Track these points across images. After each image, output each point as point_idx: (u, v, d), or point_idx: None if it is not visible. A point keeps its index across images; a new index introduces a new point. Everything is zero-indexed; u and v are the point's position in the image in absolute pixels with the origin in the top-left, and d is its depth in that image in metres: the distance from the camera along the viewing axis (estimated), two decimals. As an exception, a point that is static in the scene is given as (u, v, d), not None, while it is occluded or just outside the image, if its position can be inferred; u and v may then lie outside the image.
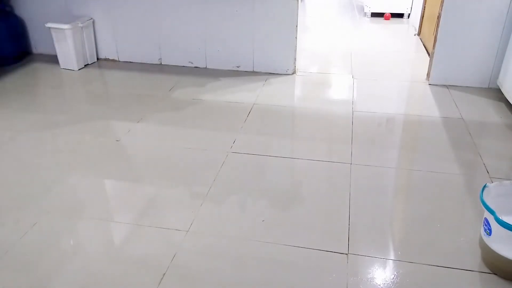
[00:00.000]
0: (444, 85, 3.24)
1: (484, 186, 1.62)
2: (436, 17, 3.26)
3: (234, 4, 3.31)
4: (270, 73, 3.47)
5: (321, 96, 3.17)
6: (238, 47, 3.45)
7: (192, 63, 3.61)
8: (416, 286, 1.55)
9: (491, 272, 1.61)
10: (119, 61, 3.73)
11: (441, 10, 3.06)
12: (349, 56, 3.93)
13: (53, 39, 3.46)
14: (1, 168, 2.25)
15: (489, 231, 1.56)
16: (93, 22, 3.61)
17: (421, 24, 4.43)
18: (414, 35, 4.58)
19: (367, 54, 4.01)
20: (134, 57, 3.69)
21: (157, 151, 2.42)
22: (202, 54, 3.55)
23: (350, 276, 1.59)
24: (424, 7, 4.32)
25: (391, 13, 5.22)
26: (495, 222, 1.49)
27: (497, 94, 3.05)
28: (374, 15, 5.29)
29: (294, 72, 3.47)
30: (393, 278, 1.59)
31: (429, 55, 3.66)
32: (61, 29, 3.37)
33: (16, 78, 3.41)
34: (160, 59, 3.65)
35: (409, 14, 5.21)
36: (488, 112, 2.86)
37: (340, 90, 3.27)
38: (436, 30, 3.14)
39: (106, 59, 3.75)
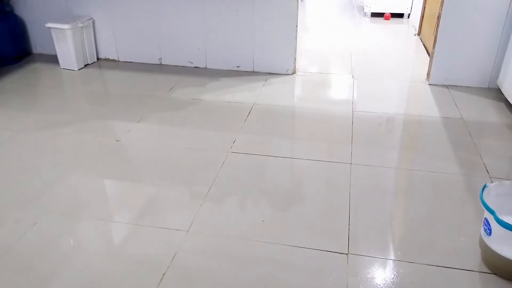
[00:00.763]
0: (444, 85, 3.24)
1: (484, 186, 1.62)
2: (436, 17, 3.26)
3: (234, 4, 3.31)
4: (270, 73, 3.47)
5: (321, 96, 3.17)
6: (238, 47, 3.45)
7: (192, 63, 3.61)
8: (416, 286, 1.55)
9: (491, 272, 1.61)
10: (119, 61, 3.73)
11: (441, 10, 3.06)
12: (349, 56, 3.93)
13: (53, 39, 3.46)
14: (1, 168, 2.25)
15: (489, 231, 1.56)
16: (93, 22, 3.61)
17: (421, 24, 4.43)
18: (414, 35, 4.58)
19: (367, 54, 4.01)
20: (134, 57, 3.69)
21: (157, 151, 2.42)
22: (202, 54, 3.55)
23: (350, 276, 1.59)
24: (424, 7, 4.32)
25: (391, 13, 5.22)
26: (495, 222, 1.49)
27: (497, 94, 3.05)
28: (374, 15, 5.29)
29: (294, 72, 3.47)
30: (393, 278, 1.59)
31: (429, 55, 3.66)
32: (61, 29, 3.37)
33: (16, 78, 3.41)
34: (160, 59, 3.65)
35: (409, 14, 5.21)
36: (488, 112, 2.86)
37: (340, 90, 3.27)
38: (436, 30, 3.14)
39: (106, 59, 3.75)
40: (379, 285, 1.56)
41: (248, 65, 3.50)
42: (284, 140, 2.56)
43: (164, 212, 1.93)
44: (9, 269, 1.62)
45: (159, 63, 3.67)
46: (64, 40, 3.42)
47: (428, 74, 3.33)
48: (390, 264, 1.65)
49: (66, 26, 3.36)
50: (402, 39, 4.60)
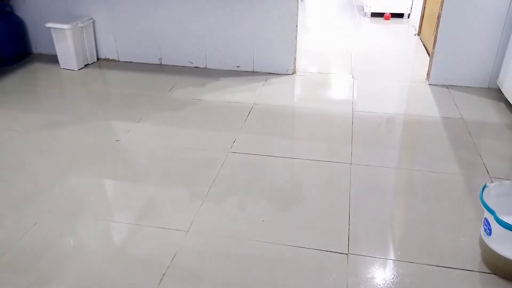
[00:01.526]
0: (444, 85, 3.24)
1: (484, 186, 1.62)
2: (436, 17, 3.26)
3: (234, 4, 3.31)
4: (270, 73, 3.47)
5: (321, 96, 3.17)
6: (238, 47, 3.45)
7: (192, 63, 3.61)
8: (416, 286, 1.56)
9: (491, 272, 1.61)
10: (119, 61, 3.73)
11: (441, 10, 3.06)
12: (349, 56, 3.93)
13: (53, 39, 3.46)
14: (1, 168, 2.25)
15: (489, 231, 1.56)
16: (93, 22, 3.61)
17: (421, 24, 4.43)
18: (414, 35, 4.58)
19: (367, 54, 4.01)
20: (134, 57, 3.69)
21: (157, 151, 2.42)
22: (202, 54, 3.55)
23: (350, 276, 1.59)
24: (424, 7, 4.32)
25: (391, 13, 5.22)
26: (495, 222, 1.49)
27: (497, 94, 3.05)
28: (374, 15, 5.28)
29: (294, 72, 3.47)
30: (393, 278, 1.59)
31: (429, 55, 3.66)
32: (61, 29, 3.37)
33: (16, 78, 3.41)
34: (160, 59, 3.65)
35: (409, 14, 5.21)
36: (488, 112, 2.86)
37: (340, 90, 3.27)
38: (436, 30, 3.14)
39: (106, 59, 3.75)
40: (379, 285, 1.56)
41: (248, 65, 3.50)
42: (284, 140, 2.56)
43: (164, 212, 1.93)
44: (9, 269, 1.62)
45: (159, 63, 3.67)
46: (64, 40, 3.42)
47: (428, 74, 3.33)
48: (390, 264, 1.65)
49: (66, 26, 3.36)
50: (402, 39, 4.60)
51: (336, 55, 4.01)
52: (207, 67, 3.59)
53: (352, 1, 6.23)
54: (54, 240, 1.77)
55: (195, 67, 3.61)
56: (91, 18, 3.58)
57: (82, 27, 3.48)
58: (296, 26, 3.30)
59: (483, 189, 1.61)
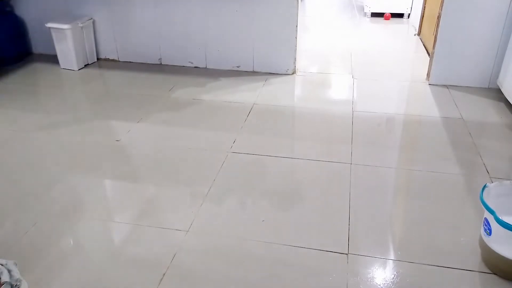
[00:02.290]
0: (444, 85, 3.24)
1: (484, 186, 1.62)
2: (436, 17, 3.26)
3: (234, 4, 3.31)
4: (270, 73, 3.47)
5: (321, 96, 3.17)
6: (238, 47, 3.45)
7: (192, 63, 3.61)
8: (416, 286, 1.55)
9: (491, 272, 1.61)
10: (119, 61, 3.73)
11: (441, 10, 3.06)
12: (349, 56, 3.93)
13: (53, 39, 3.46)
14: (1, 168, 2.25)
15: (489, 231, 1.56)
16: (93, 22, 3.61)
17: (421, 24, 4.43)
18: (414, 35, 4.58)
19: (367, 54, 4.01)
20: (134, 57, 3.69)
21: (157, 151, 2.42)
22: (202, 54, 3.55)
23: (350, 276, 1.59)
24: (424, 7, 4.32)
25: (391, 13, 5.22)
26: (495, 222, 1.49)
27: (497, 94, 3.05)
28: (374, 15, 5.28)
29: (294, 72, 3.47)
30: (393, 278, 1.59)
31: (429, 55, 3.66)
32: (61, 29, 3.37)
33: (16, 78, 3.41)
34: (160, 59, 3.65)
35: (409, 14, 5.21)
36: (488, 112, 2.86)
37: (340, 90, 3.27)
38: (436, 30, 3.14)
39: (106, 59, 3.75)
40: (379, 285, 1.56)
41: (248, 65, 3.50)
42: (284, 140, 2.56)
43: (164, 212, 1.93)
44: (9, 269, 1.62)
45: (159, 63, 3.67)
46: (64, 40, 3.42)
47: (428, 74, 3.33)
48: (390, 264, 1.65)
49: (66, 26, 3.36)
50: (402, 39, 4.60)
51: (336, 55, 4.01)
52: (207, 67, 3.59)
53: (352, 1, 6.23)
54: (54, 240, 1.77)
55: (195, 67, 3.61)
56: (91, 18, 3.58)
57: (82, 27, 3.48)
58: (296, 26, 3.30)
59: (483, 189, 1.61)
